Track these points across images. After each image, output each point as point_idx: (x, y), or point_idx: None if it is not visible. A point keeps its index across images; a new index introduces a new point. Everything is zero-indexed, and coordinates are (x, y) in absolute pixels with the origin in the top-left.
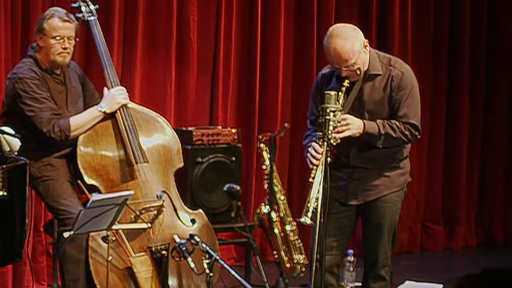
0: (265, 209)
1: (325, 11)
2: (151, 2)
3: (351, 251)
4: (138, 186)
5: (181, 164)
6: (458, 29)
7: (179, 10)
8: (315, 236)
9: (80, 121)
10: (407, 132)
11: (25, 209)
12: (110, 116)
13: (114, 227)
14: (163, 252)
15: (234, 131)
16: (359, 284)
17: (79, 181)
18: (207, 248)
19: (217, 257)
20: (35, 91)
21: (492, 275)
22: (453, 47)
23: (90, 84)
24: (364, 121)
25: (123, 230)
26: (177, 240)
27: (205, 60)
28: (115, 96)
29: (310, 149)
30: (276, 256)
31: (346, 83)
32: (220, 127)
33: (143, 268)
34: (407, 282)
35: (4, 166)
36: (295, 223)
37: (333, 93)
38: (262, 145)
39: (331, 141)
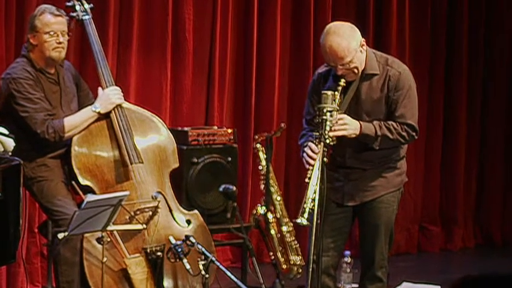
0: (261, 209)
1: (322, 11)
2: (147, 1)
3: (348, 252)
4: (133, 186)
5: (177, 165)
6: (456, 30)
7: (175, 9)
8: (311, 237)
9: (74, 122)
10: (404, 133)
11: (19, 210)
12: (105, 116)
13: (108, 228)
14: (159, 253)
15: (229, 131)
16: (356, 285)
17: (73, 182)
18: (203, 249)
19: (213, 258)
20: (29, 91)
21: (472, 284)
22: (451, 47)
23: (85, 84)
24: (361, 122)
25: (117, 231)
26: (173, 241)
27: (201, 60)
28: (109, 96)
29: (306, 149)
30: (273, 257)
31: (342, 82)
32: (216, 127)
33: (138, 269)
34: (404, 284)
35: None
36: (291, 224)
37: (329, 93)
38: (258, 145)
39: (328, 141)
